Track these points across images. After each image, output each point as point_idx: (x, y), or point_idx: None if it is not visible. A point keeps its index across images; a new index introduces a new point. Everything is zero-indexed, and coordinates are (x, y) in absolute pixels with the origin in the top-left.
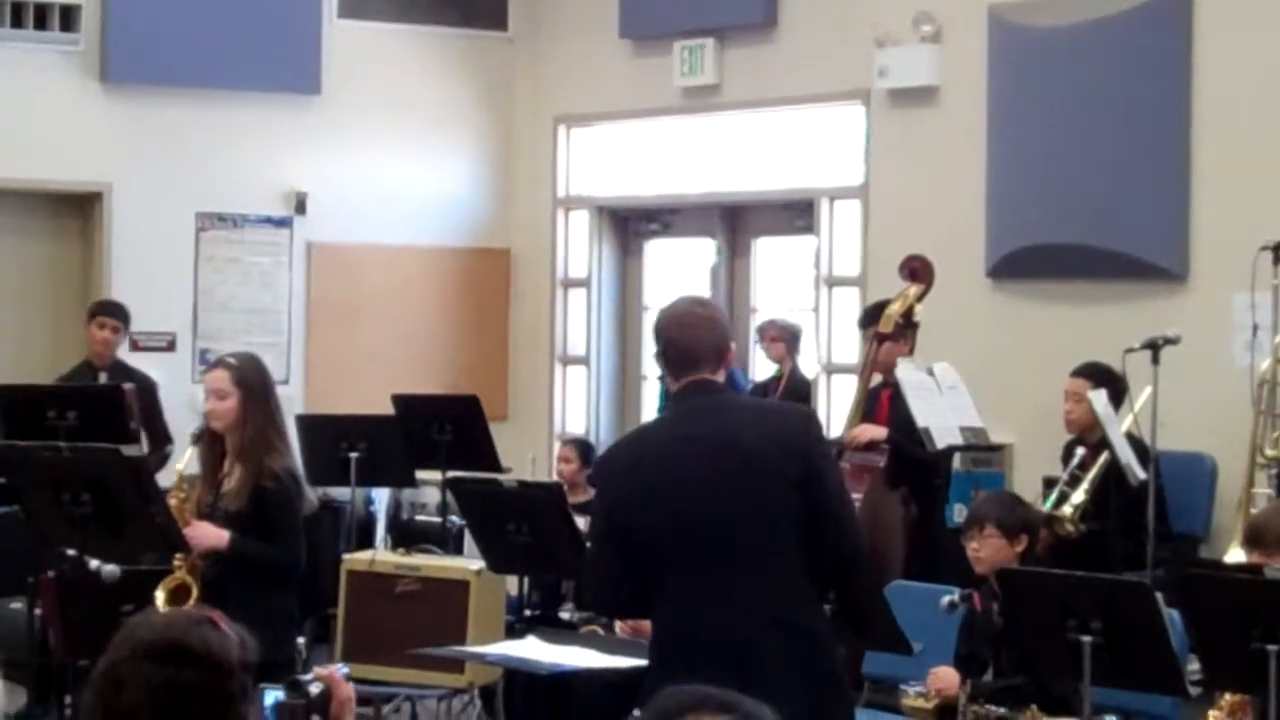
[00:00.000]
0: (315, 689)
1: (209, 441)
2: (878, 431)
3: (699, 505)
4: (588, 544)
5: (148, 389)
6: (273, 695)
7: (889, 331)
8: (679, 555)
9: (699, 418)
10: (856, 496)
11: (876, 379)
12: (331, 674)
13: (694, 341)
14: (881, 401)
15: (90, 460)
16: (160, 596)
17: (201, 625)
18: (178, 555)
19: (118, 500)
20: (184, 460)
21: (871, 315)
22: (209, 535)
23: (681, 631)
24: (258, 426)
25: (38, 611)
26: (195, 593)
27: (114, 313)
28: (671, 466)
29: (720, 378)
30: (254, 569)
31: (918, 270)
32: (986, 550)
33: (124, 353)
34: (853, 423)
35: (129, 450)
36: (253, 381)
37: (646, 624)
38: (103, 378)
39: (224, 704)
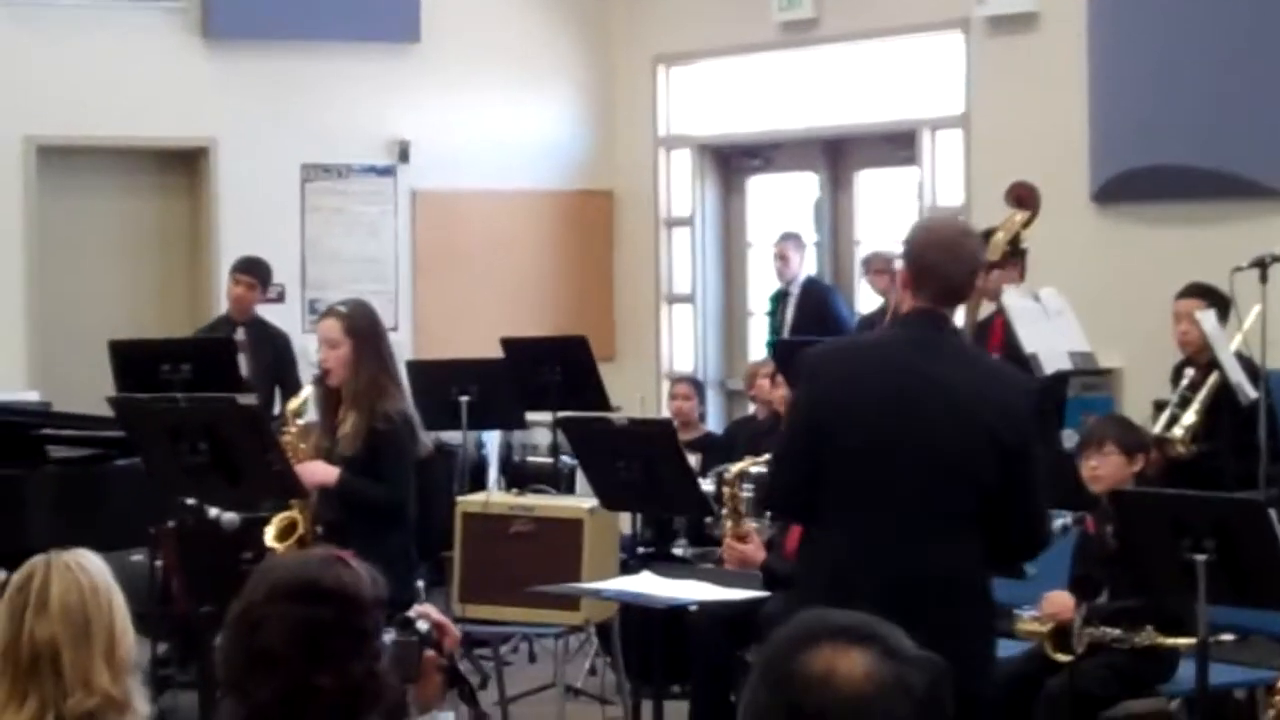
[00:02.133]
0: (423, 625)
1: (325, 389)
2: None
3: (898, 444)
4: (783, 437)
5: (282, 345)
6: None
7: (997, 259)
8: (858, 484)
9: (926, 354)
10: None
11: (988, 308)
12: (431, 610)
13: (954, 275)
14: (994, 329)
15: (206, 410)
16: (270, 532)
17: (334, 564)
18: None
19: (234, 449)
20: (300, 399)
21: None
22: (318, 472)
23: (835, 560)
24: (371, 373)
25: (158, 562)
26: (301, 528)
27: (246, 269)
28: (884, 396)
29: (956, 315)
30: (365, 508)
31: (1024, 197)
32: (1106, 468)
33: None
34: None
35: (244, 399)
36: (364, 329)
37: (755, 556)
38: (239, 332)
39: (360, 639)
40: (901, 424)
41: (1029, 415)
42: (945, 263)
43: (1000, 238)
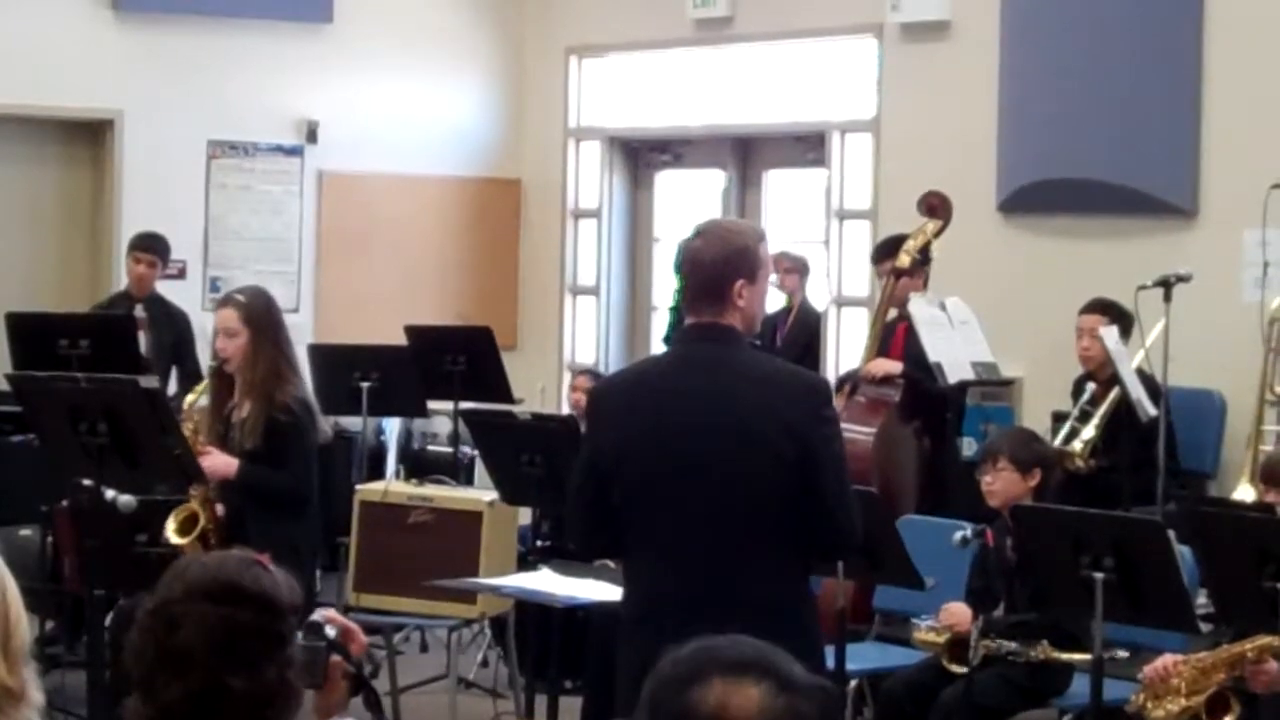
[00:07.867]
0: (331, 631)
1: (217, 375)
2: (893, 366)
3: (680, 473)
4: (574, 477)
5: (182, 324)
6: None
7: (906, 266)
8: (652, 518)
9: (700, 371)
10: (870, 430)
11: (892, 313)
12: (338, 615)
13: (703, 285)
14: (897, 336)
15: (108, 391)
16: (171, 525)
17: (253, 567)
18: (193, 486)
19: (134, 431)
20: (198, 391)
21: (886, 250)
22: (218, 466)
23: (646, 598)
24: (268, 362)
25: (49, 539)
26: (203, 522)
27: (147, 246)
28: (661, 423)
29: (734, 320)
30: (267, 498)
31: (936, 206)
32: (999, 484)
33: None
34: (868, 357)
35: (146, 381)
36: (262, 318)
37: None
38: (139, 309)
39: (275, 643)
40: (683, 456)
41: (814, 419)
42: (691, 276)
43: (912, 245)
